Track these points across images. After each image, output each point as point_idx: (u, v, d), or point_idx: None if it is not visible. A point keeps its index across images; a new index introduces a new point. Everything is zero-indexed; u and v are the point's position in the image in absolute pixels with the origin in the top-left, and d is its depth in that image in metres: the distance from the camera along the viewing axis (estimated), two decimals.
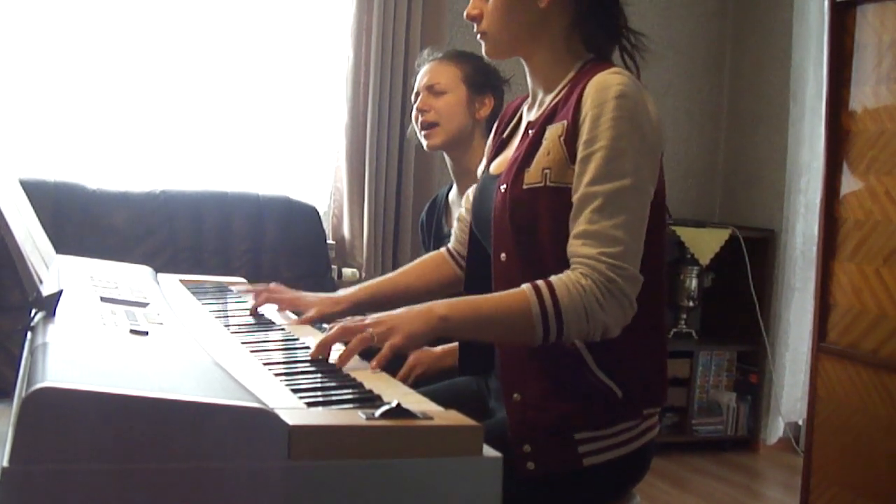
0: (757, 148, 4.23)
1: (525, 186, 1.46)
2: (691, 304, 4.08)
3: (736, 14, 4.35)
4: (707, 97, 4.37)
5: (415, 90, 2.35)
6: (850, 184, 2.86)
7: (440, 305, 1.36)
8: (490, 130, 1.79)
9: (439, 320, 1.34)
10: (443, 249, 1.87)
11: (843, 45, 2.86)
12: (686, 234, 3.91)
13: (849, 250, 2.85)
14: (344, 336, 1.33)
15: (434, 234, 2.41)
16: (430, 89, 2.29)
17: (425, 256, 1.90)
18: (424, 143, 2.32)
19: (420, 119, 2.30)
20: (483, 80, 2.30)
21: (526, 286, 1.37)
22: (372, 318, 1.35)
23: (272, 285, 1.76)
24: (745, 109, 4.31)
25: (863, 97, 2.82)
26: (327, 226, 3.56)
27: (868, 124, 2.80)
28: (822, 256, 2.93)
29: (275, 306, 1.71)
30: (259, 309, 1.68)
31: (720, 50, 4.38)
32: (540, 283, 1.37)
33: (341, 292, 1.76)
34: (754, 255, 4.01)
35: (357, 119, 3.50)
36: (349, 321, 1.38)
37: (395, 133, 3.53)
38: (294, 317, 1.69)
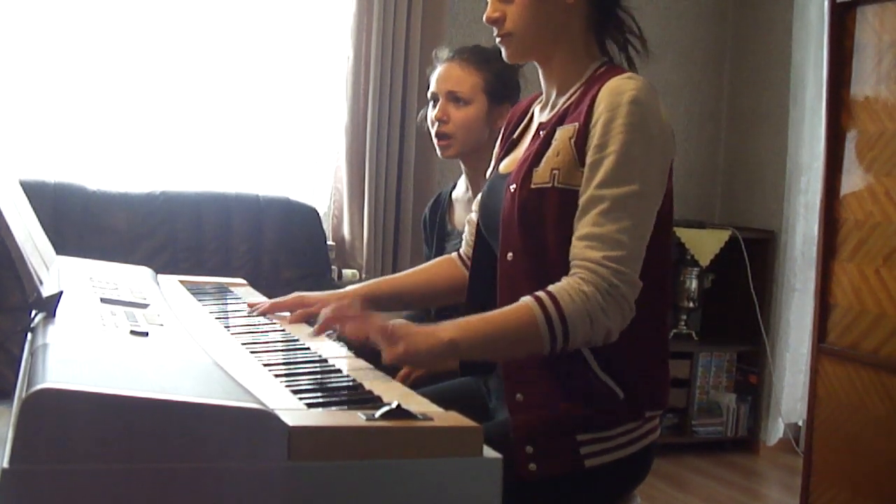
0: (757, 148, 4.23)
1: (533, 186, 1.46)
2: (691, 304, 4.08)
3: (736, 14, 4.35)
4: (707, 97, 4.37)
5: (432, 89, 2.25)
6: (849, 184, 2.86)
7: (446, 329, 1.32)
8: None
9: (448, 344, 1.31)
10: (453, 254, 1.85)
11: (843, 45, 2.86)
12: (686, 234, 3.91)
13: (849, 251, 2.85)
14: (337, 317, 1.38)
15: (437, 232, 2.40)
16: (451, 96, 2.21)
17: (436, 259, 1.88)
18: (438, 150, 2.26)
19: (437, 126, 2.23)
20: (503, 90, 2.22)
21: (527, 298, 1.36)
22: (386, 322, 1.32)
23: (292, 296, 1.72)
24: (745, 110, 4.31)
25: (863, 97, 2.82)
26: (327, 226, 3.56)
27: (868, 125, 2.80)
28: (822, 257, 2.93)
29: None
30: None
31: (720, 50, 4.38)
32: (541, 294, 1.36)
33: (348, 288, 1.75)
34: (754, 255, 4.01)
35: (357, 119, 3.49)
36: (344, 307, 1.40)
37: (395, 133, 3.53)
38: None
